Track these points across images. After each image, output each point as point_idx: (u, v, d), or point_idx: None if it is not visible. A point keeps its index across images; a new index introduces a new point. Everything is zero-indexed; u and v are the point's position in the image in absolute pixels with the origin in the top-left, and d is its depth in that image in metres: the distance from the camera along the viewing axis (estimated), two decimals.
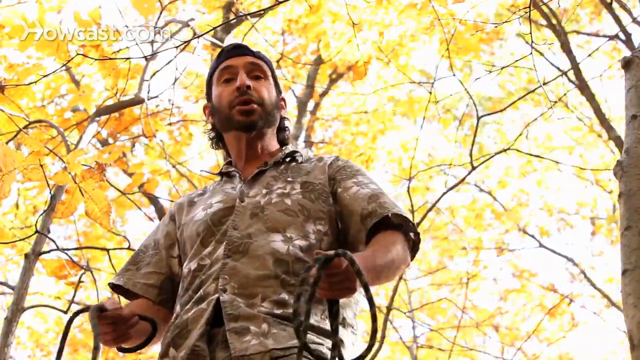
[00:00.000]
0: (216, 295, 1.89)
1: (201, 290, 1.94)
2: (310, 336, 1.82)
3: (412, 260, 2.05)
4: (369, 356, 1.85)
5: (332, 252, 1.70)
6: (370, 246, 1.94)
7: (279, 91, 2.31)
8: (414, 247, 2.05)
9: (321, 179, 2.12)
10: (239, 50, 2.28)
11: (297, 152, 2.24)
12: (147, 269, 2.13)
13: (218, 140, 2.29)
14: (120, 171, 8.54)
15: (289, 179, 2.12)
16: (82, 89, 4.20)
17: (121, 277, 2.14)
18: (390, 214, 2.00)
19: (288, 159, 2.22)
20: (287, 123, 2.32)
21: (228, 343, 1.82)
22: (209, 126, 2.31)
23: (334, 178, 2.13)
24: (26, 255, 3.58)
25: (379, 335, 4.53)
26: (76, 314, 1.87)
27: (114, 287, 2.17)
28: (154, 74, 4.29)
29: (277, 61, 9.05)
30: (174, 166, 7.37)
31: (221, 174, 2.26)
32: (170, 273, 2.13)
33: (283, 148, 2.26)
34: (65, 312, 3.74)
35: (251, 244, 1.96)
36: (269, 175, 2.15)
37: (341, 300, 1.77)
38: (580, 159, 11.20)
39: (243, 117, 2.16)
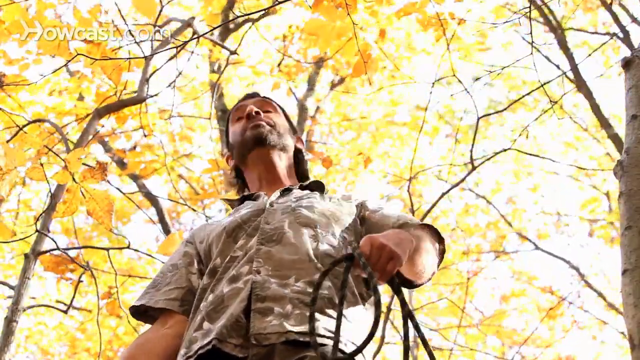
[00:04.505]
0: (250, 276, 1.91)
1: (234, 271, 1.95)
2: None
3: (439, 264, 2.11)
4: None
5: (341, 256, 1.81)
6: None
7: (293, 130, 2.46)
8: (440, 255, 2.13)
9: (348, 203, 2.21)
10: (249, 94, 2.47)
11: (322, 184, 2.33)
12: (167, 287, 2.12)
13: (242, 182, 2.42)
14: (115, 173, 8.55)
15: (316, 196, 2.21)
16: (83, 79, 4.21)
17: (141, 298, 2.14)
18: (419, 224, 2.08)
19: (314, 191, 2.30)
20: (304, 158, 2.45)
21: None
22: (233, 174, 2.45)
23: (360, 204, 2.21)
24: (26, 255, 3.58)
25: (378, 335, 4.54)
26: None
27: (135, 314, 2.16)
28: (153, 72, 4.29)
29: (279, 64, 9.05)
30: (169, 163, 7.38)
31: (243, 197, 2.33)
32: (192, 286, 2.11)
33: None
34: (65, 312, 3.74)
35: (284, 234, 2.00)
36: (297, 192, 2.24)
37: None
38: (575, 161, 11.23)
39: (253, 131, 2.31)
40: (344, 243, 2.04)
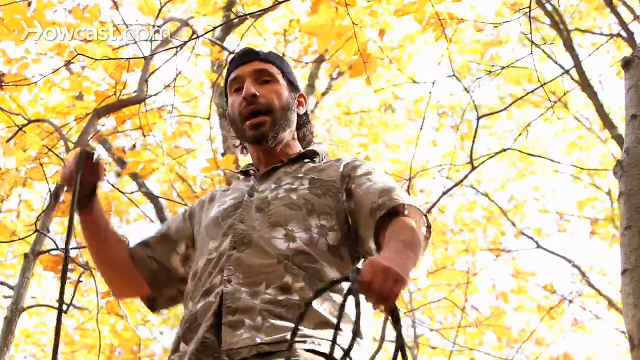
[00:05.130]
0: (222, 287, 1.91)
1: (208, 283, 1.96)
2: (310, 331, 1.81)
3: (427, 242, 2.01)
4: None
5: (340, 277, 1.74)
6: (386, 244, 1.88)
7: (295, 88, 2.32)
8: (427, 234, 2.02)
9: (333, 176, 2.13)
10: (247, 57, 2.29)
11: (314, 151, 2.26)
12: (150, 251, 2.22)
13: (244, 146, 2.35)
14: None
15: (299, 176, 2.14)
16: (83, 80, 4.22)
17: (136, 245, 2.24)
18: (399, 205, 1.97)
19: (306, 160, 2.24)
20: (308, 119, 2.34)
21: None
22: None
23: (348, 175, 2.12)
24: (26, 255, 3.58)
25: (379, 335, 4.53)
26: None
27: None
28: (153, 72, 4.29)
29: None
30: (168, 164, 7.38)
31: (241, 172, 2.31)
32: (170, 267, 2.20)
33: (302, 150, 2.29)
34: (65, 312, 3.74)
35: (254, 235, 1.98)
36: (282, 172, 2.18)
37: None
38: (577, 161, 11.22)
39: (253, 132, 2.19)
40: (321, 233, 1.99)
